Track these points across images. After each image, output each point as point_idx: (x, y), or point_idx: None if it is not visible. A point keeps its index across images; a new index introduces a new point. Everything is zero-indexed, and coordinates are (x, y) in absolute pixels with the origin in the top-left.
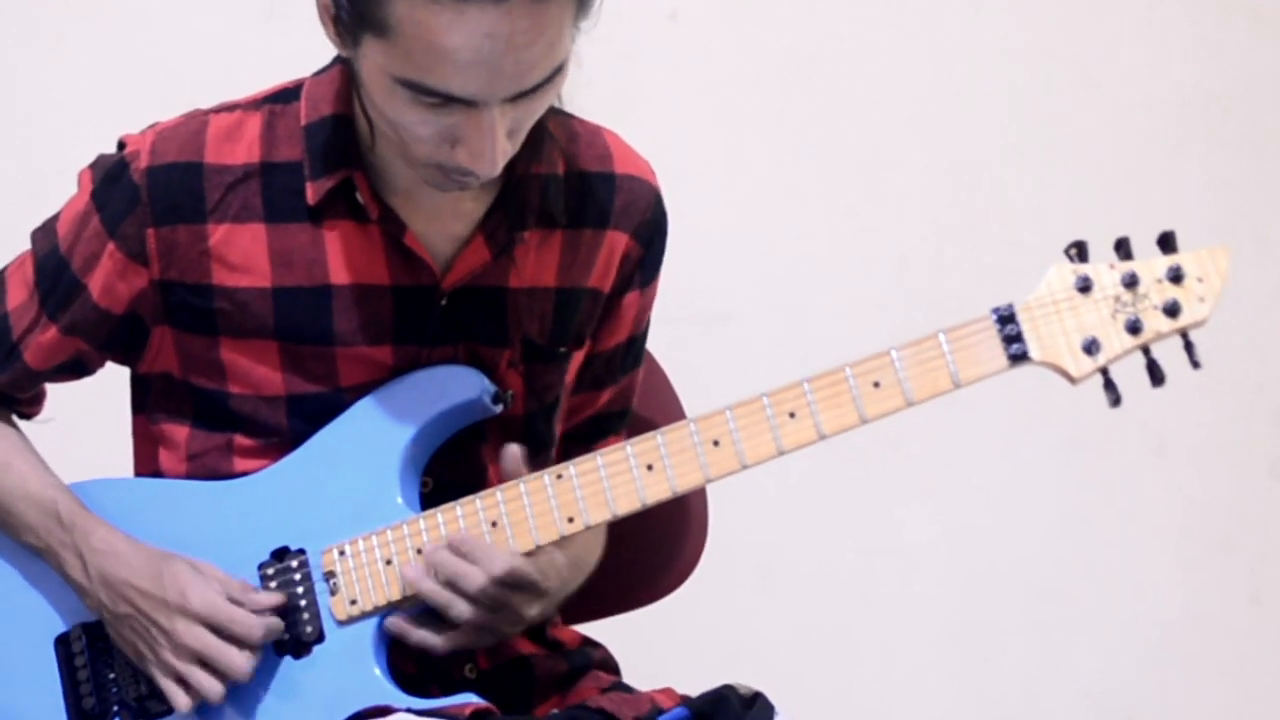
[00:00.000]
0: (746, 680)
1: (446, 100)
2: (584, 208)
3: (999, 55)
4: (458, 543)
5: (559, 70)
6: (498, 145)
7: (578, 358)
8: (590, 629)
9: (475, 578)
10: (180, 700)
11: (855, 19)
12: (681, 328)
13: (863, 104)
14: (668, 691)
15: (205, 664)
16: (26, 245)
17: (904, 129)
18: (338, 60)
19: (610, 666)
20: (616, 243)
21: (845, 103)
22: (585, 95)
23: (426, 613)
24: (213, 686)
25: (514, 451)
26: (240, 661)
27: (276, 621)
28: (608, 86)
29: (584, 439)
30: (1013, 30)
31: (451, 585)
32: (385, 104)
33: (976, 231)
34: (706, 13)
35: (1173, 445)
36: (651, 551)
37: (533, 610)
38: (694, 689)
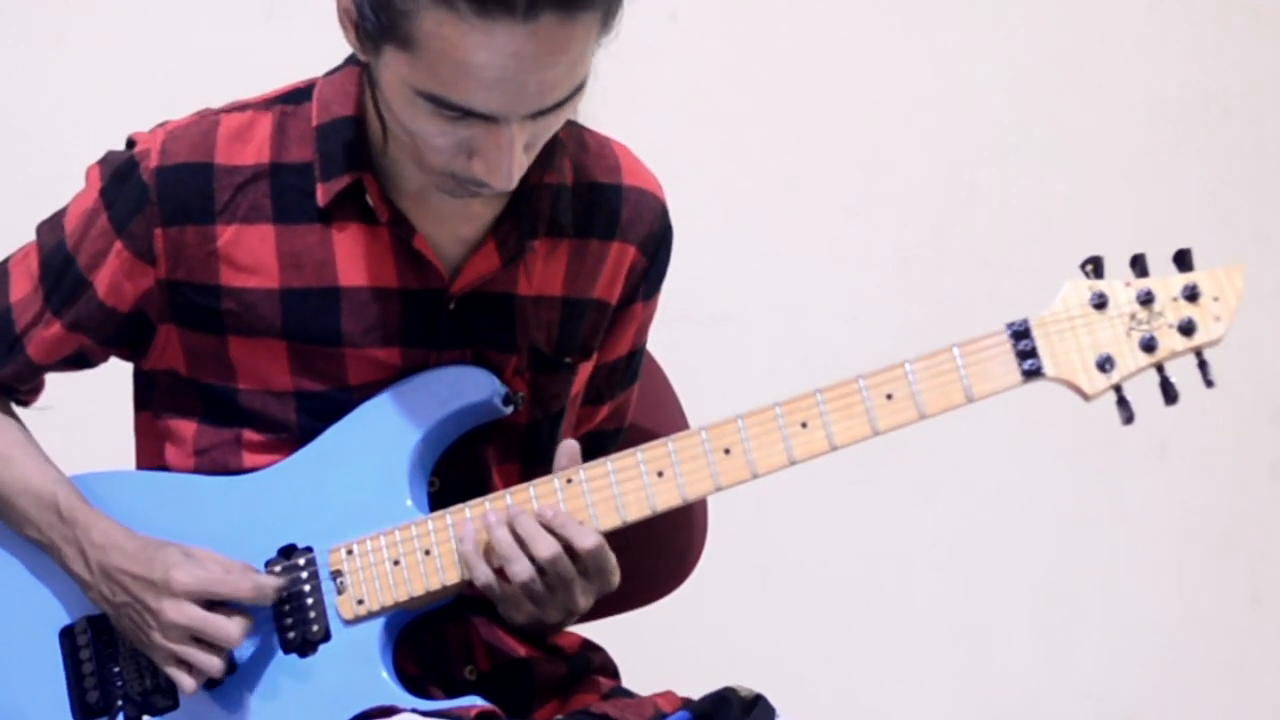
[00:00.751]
0: (747, 682)
1: (466, 114)
2: (592, 218)
3: (999, 55)
4: (549, 520)
5: (580, 88)
6: (515, 160)
7: (585, 369)
8: (589, 630)
9: (547, 545)
10: (185, 683)
11: (855, 19)
12: (682, 329)
13: (862, 104)
14: (668, 695)
15: (200, 640)
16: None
17: (904, 129)
18: (349, 61)
19: (610, 670)
20: (624, 254)
21: (845, 103)
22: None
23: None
24: (209, 661)
25: (571, 447)
26: (230, 628)
27: (268, 580)
28: (608, 86)
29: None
30: (1012, 30)
31: (522, 544)
32: (403, 113)
33: (976, 232)
34: (706, 13)
35: (1173, 446)
36: (651, 552)
37: (585, 601)
38: (694, 691)
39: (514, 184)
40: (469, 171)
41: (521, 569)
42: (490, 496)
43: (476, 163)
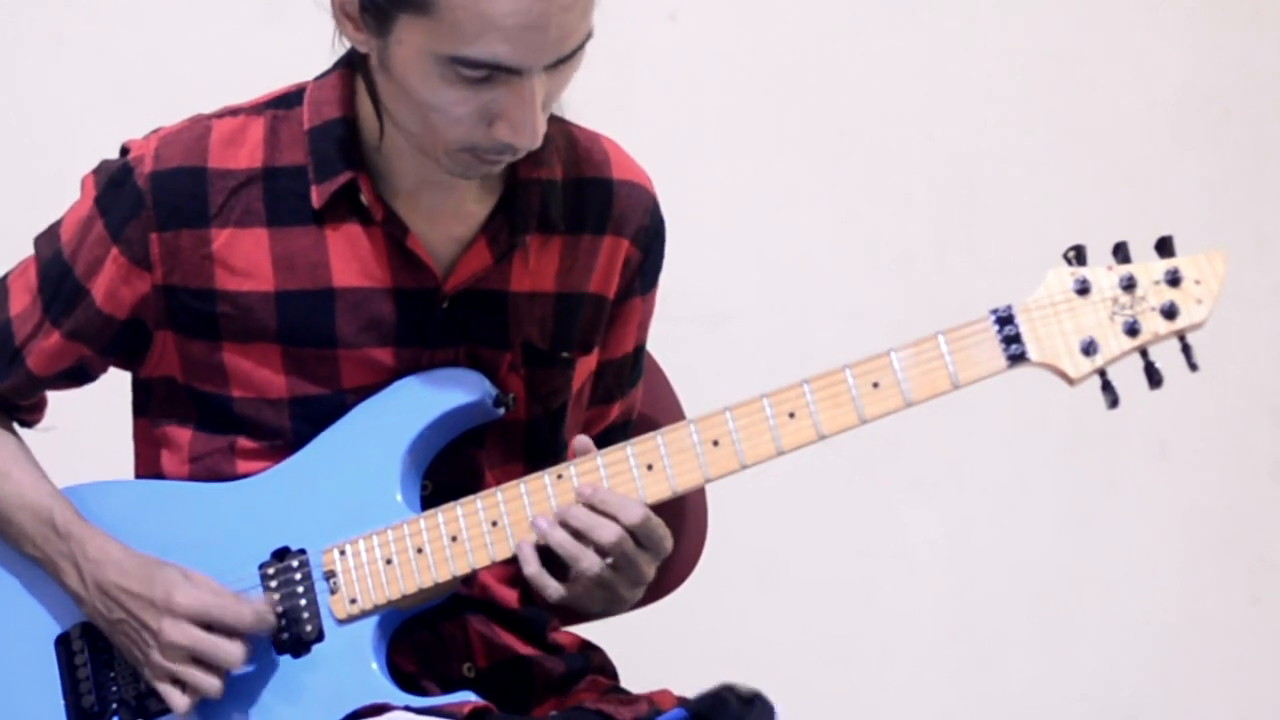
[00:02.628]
0: (746, 682)
1: (490, 73)
2: (582, 213)
3: (999, 55)
4: (589, 497)
5: (589, 37)
6: (539, 116)
7: (585, 365)
8: (588, 630)
9: (609, 529)
10: (178, 701)
11: (855, 19)
12: (681, 328)
13: (862, 104)
14: (665, 693)
15: (198, 660)
16: (22, 246)
17: (904, 129)
18: (338, 65)
19: (608, 671)
20: (617, 249)
21: (845, 103)
22: (584, 95)
23: (549, 563)
24: (208, 682)
25: (583, 442)
26: (232, 651)
27: (267, 609)
28: (607, 86)
29: None
30: (1012, 30)
31: (582, 537)
32: (421, 87)
33: (977, 232)
34: (706, 13)
35: (1174, 447)
36: None
37: (650, 572)
38: (692, 691)
39: (539, 142)
40: (491, 139)
41: (590, 563)
42: (481, 494)
43: (499, 127)
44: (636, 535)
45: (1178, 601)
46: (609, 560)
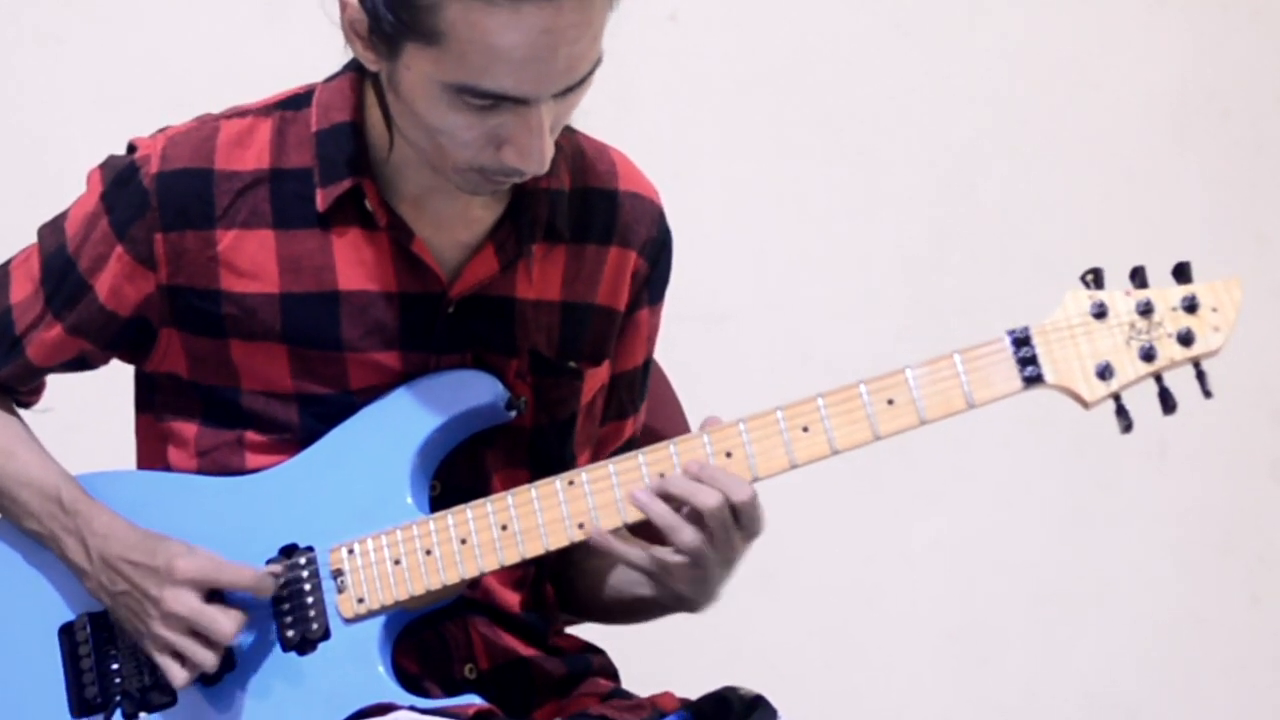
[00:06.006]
0: (747, 683)
1: (497, 102)
2: (588, 223)
3: (998, 55)
4: (697, 472)
5: (598, 63)
6: (546, 142)
7: (596, 377)
8: (589, 630)
9: (710, 495)
10: (176, 675)
11: (855, 19)
12: (681, 328)
13: (862, 104)
14: (667, 696)
15: (197, 634)
16: (22, 246)
17: (903, 129)
18: (347, 67)
19: (609, 672)
20: (624, 260)
21: (844, 103)
22: (585, 96)
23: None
24: (204, 655)
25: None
26: (225, 622)
27: (270, 574)
28: (607, 87)
29: None
30: (1012, 30)
31: (683, 508)
32: (429, 112)
33: (976, 232)
34: (706, 13)
35: (1173, 447)
36: None
37: (743, 549)
38: (694, 693)
39: (546, 167)
40: (499, 162)
41: (689, 537)
42: (491, 498)
43: (507, 151)
44: (738, 513)
45: (1178, 601)
46: (707, 533)
